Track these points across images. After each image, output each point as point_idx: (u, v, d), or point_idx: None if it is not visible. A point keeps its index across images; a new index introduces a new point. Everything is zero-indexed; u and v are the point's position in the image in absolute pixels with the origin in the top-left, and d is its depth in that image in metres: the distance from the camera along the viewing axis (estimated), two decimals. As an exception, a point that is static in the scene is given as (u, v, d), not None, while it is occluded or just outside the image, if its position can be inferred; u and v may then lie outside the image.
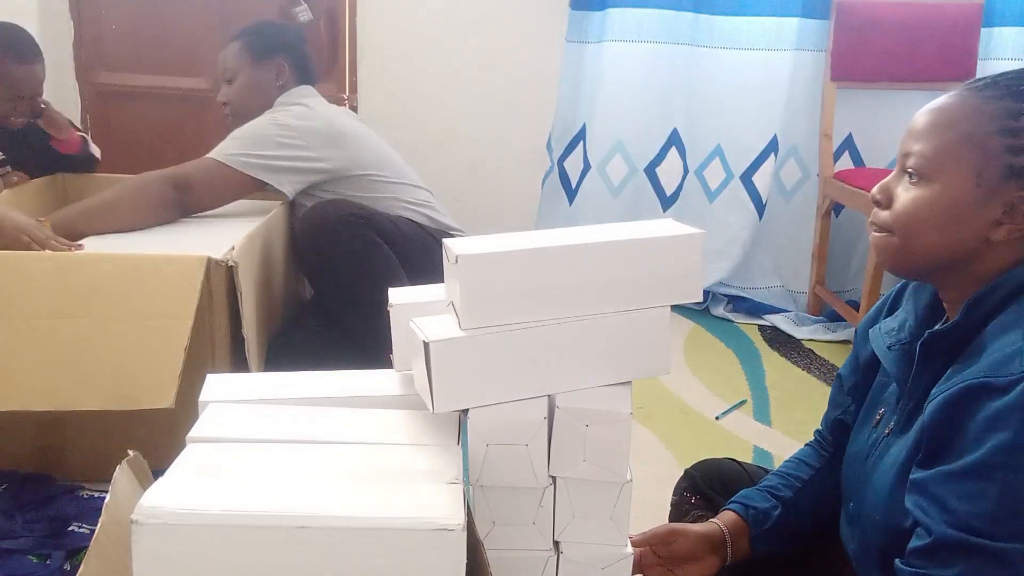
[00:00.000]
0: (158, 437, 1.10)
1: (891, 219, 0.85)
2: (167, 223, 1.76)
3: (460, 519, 0.67)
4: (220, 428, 0.82)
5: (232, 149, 1.78)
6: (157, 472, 0.75)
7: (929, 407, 0.80)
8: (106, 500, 0.76)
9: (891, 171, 0.89)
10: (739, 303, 2.72)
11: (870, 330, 0.97)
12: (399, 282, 1.64)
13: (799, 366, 2.28)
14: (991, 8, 2.54)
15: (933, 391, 0.81)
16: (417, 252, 1.75)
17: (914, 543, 0.79)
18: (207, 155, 1.78)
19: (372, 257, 1.65)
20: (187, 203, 1.75)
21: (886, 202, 0.87)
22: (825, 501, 1.04)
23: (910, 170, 0.84)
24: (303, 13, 2.63)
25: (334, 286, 1.67)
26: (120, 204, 1.72)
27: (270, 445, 0.79)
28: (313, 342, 1.72)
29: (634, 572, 0.93)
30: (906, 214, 0.84)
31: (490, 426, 0.81)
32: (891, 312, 0.98)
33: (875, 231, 0.88)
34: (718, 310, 2.69)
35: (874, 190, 0.88)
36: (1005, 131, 0.79)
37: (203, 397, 0.88)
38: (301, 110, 1.86)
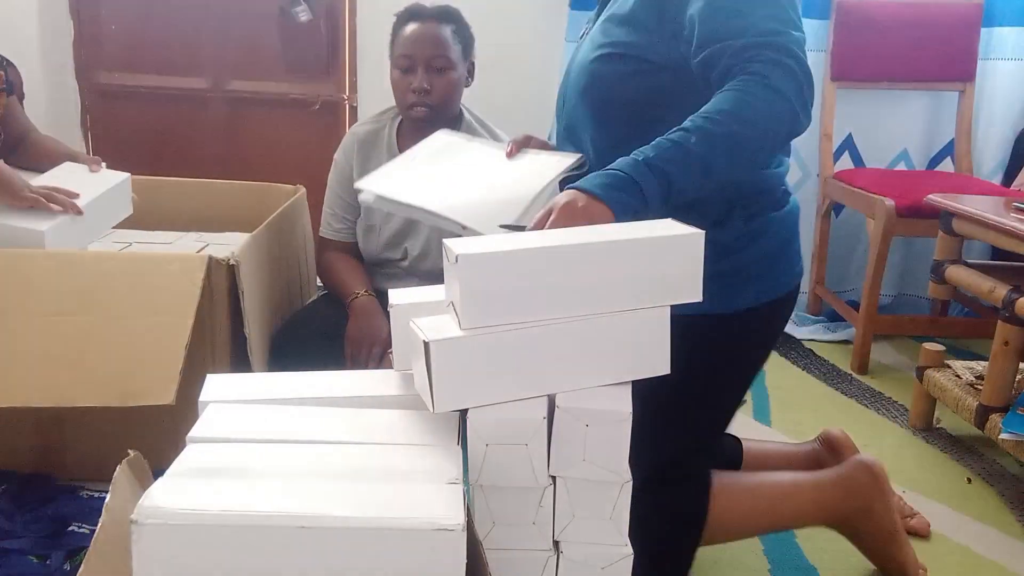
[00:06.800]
0: (158, 437, 1.10)
1: None
2: None
3: (460, 519, 0.67)
4: (220, 428, 0.82)
5: None
6: (157, 472, 0.75)
7: None
8: (106, 500, 0.76)
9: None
10: (739, 303, 2.71)
11: None
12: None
13: (799, 366, 2.28)
14: (991, 8, 2.54)
15: None
16: None
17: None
18: None
19: None
20: None
21: None
22: None
23: None
24: (303, 13, 2.63)
25: None
26: None
27: (270, 445, 0.79)
28: (315, 342, 1.72)
29: None
30: None
31: (490, 426, 0.81)
32: None
33: None
34: (718, 310, 2.68)
35: None
36: None
37: (203, 397, 0.89)
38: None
